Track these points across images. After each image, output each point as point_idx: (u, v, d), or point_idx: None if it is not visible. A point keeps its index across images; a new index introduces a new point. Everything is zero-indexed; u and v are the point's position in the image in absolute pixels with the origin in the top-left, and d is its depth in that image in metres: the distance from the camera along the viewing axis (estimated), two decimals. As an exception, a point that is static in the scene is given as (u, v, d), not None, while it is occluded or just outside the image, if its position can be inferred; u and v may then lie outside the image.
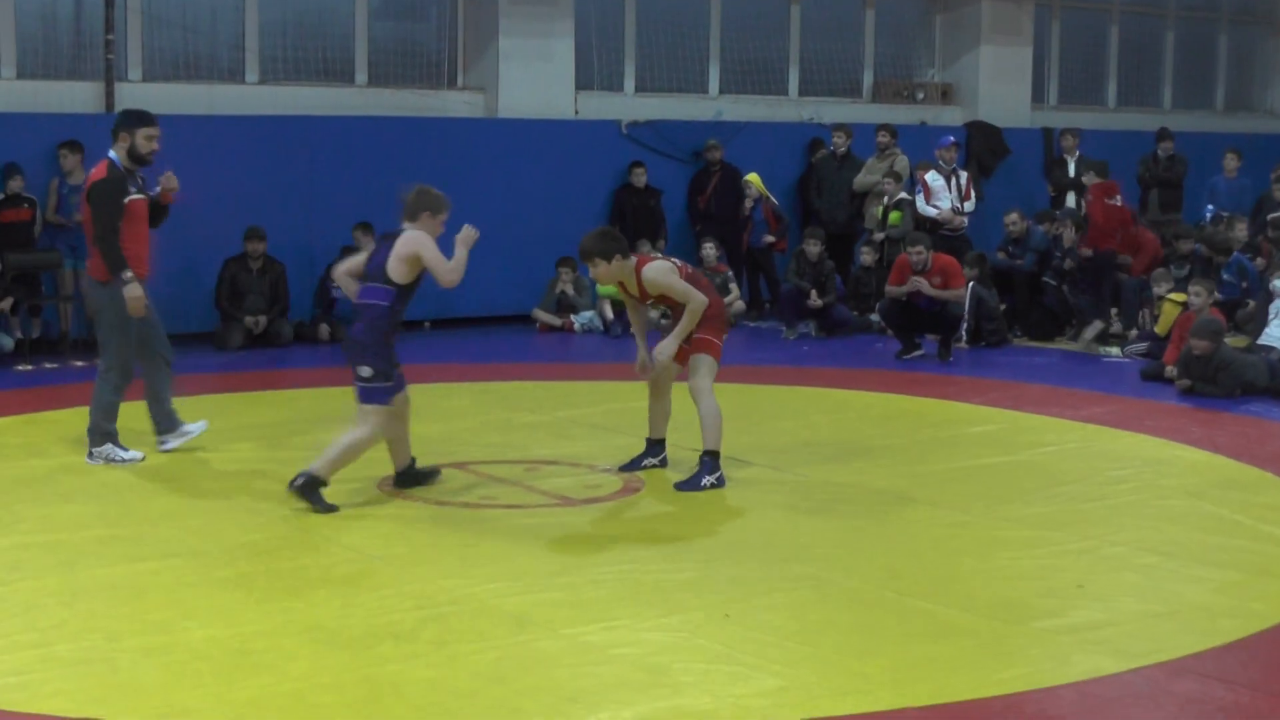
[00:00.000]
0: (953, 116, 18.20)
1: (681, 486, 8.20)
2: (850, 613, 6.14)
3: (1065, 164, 17.14)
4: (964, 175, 15.67)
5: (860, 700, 5.15)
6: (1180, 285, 12.87)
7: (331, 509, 7.58)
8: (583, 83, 16.09)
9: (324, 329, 13.89)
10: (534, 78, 15.52)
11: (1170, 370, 11.68)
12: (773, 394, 11.54)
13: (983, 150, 17.73)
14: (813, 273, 14.72)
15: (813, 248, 14.79)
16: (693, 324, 8.21)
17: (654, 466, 8.69)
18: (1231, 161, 16.74)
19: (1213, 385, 11.21)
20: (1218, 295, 12.62)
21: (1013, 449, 9.42)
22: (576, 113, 15.89)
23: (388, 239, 7.87)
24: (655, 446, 8.75)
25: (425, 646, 5.65)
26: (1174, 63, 20.89)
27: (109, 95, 13.67)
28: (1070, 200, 16.78)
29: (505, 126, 15.32)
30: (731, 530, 7.47)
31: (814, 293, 14.59)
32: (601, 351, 13.92)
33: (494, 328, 15.02)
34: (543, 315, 15.02)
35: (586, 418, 10.31)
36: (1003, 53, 18.45)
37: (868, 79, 18.19)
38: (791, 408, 10.91)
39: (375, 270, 7.77)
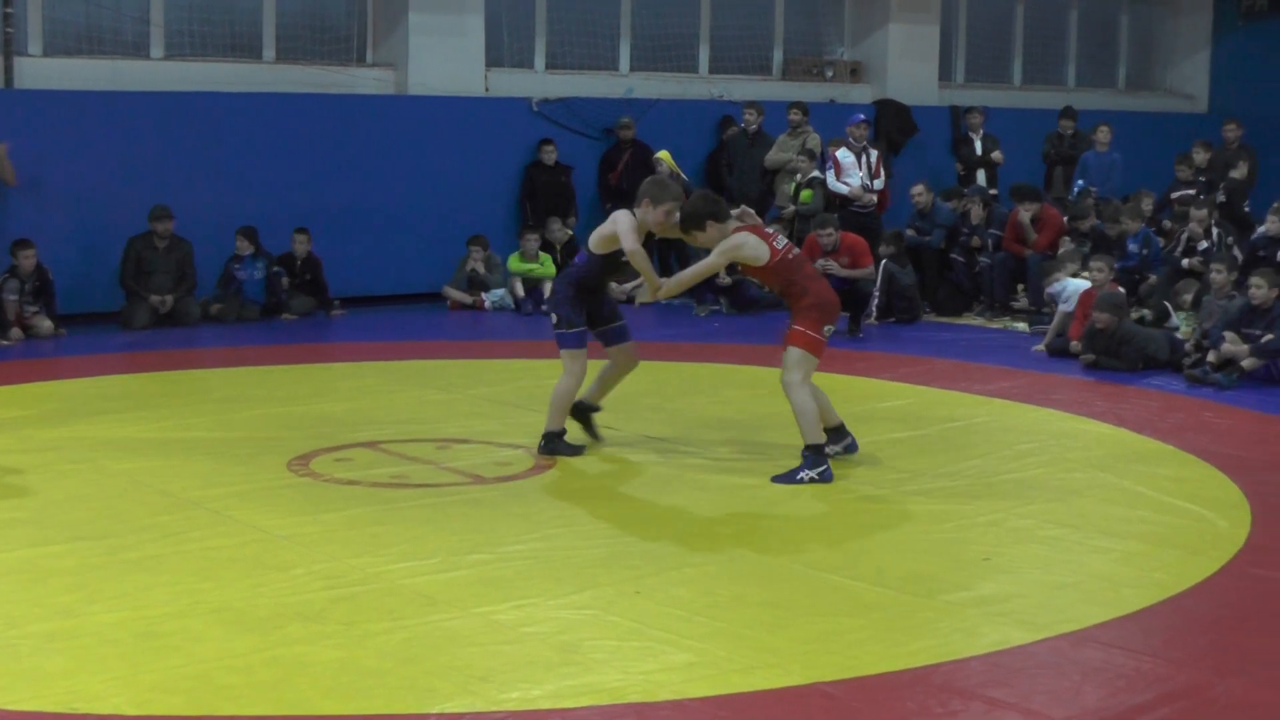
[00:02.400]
0: (862, 94, 18.30)
1: (778, 479, 7.96)
2: (761, 587, 6.17)
3: (972, 142, 17.30)
4: (874, 153, 15.76)
5: (770, 675, 5.18)
6: (1087, 261, 13.05)
7: (579, 449, 8.49)
8: (493, 60, 16.01)
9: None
10: (444, 54, 15.41)
11: (1075, 345, 11.84)
12: (684, 370, 11.57)
13: (891, 128, 17.83)
14: (724, 250, 14.74)
15: (724, 225, 14.82)
16: (695, 274, 8.33)
17: (837, 455, 8.40)
18: (1103, 135, 16.82)
19: (1116, 359, 11.38)
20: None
21: (922, 423, 9.51)
22: (487, 90, 15.81)
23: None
24: (833, 434, 8.42)
25: (335, 626, 5.61)
26: (1078, 42, 21.12)
27: (8, 70, 13.41)
28: (980, 178, 16.94)
29: (415, 103, 15.21)
30: (642, 506, 7.48)
31: (723, 270, 14.62)
32: (513, 329, 13.89)
33: (405, 306, 14.93)
34: (454, 293, 14.96)
35: (498, 395, 10.28)
36: (911, 31, 18.56)
37: (778, 57, 18.24)
38: (703, 384, 10.95)
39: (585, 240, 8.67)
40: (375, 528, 6.96)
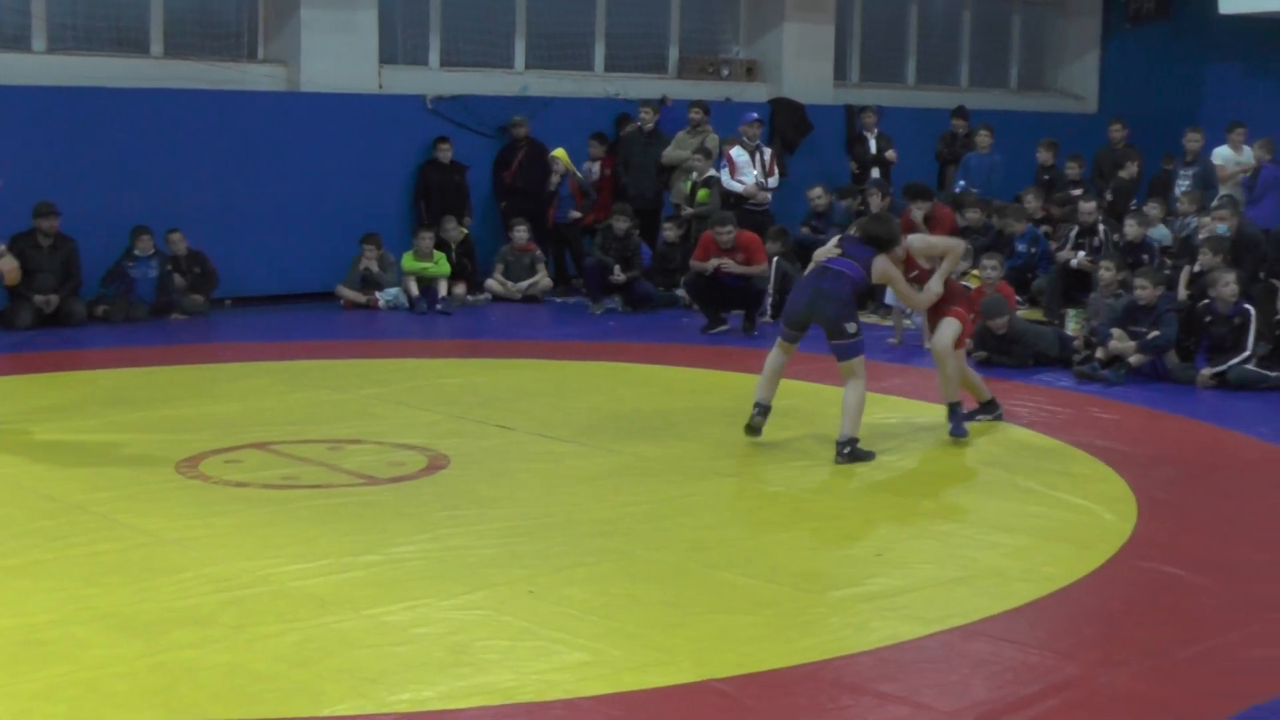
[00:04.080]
0: (757, 93, 18.37)
1: (956, 433, 9.10)
2: (655, 586, 6.18)
3: (866, 140, 17.45)
4: (768, 151, 15.85)
5: (663, 672, 5.19)
6: (978, 259, 13.19)
7: (872, 454, 8.50)
8: (387, 56, 15.88)
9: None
10: (337, 50, 15.26)
11: (967, 343, 11.95)
12: (579, 369, 11.55)
13: (786, 126, 17.93)
14: (619, 248, 14.78)
15: (620, 224, 14.85)
16: (954, 265, 9.14)
17: (990, 420, 9.55)
18: (984, 138, 17.12)
19: (1007, 356, 11.53)
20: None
21: (815, 421, 9.55)
22: (380, 87, 15.68)
23: (862, 243, 8.90)
24: (988, 405, 9.61)
25: (224, 630, 5.54)
26: (970, 42, 21.37)
27: (-116, 64, 13.11)
28: (874, 176, 17.07)
29: (307, 100, 15.05)
30: (536, 505, 7.45)
31: (616, 268, 14.65)
32: (406, 328, 13.80)
33: (297, 305, 14.78)
34: (347, 292, 14.82)
35: (391, 395, 10.21)
36: (806, 30, 18.67)
37: (673, 55, 18.26)
38: (597, 383, 10.94)
39: (863, 260, 8.83)
40: (266, 530, 6.88)
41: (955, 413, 9.11)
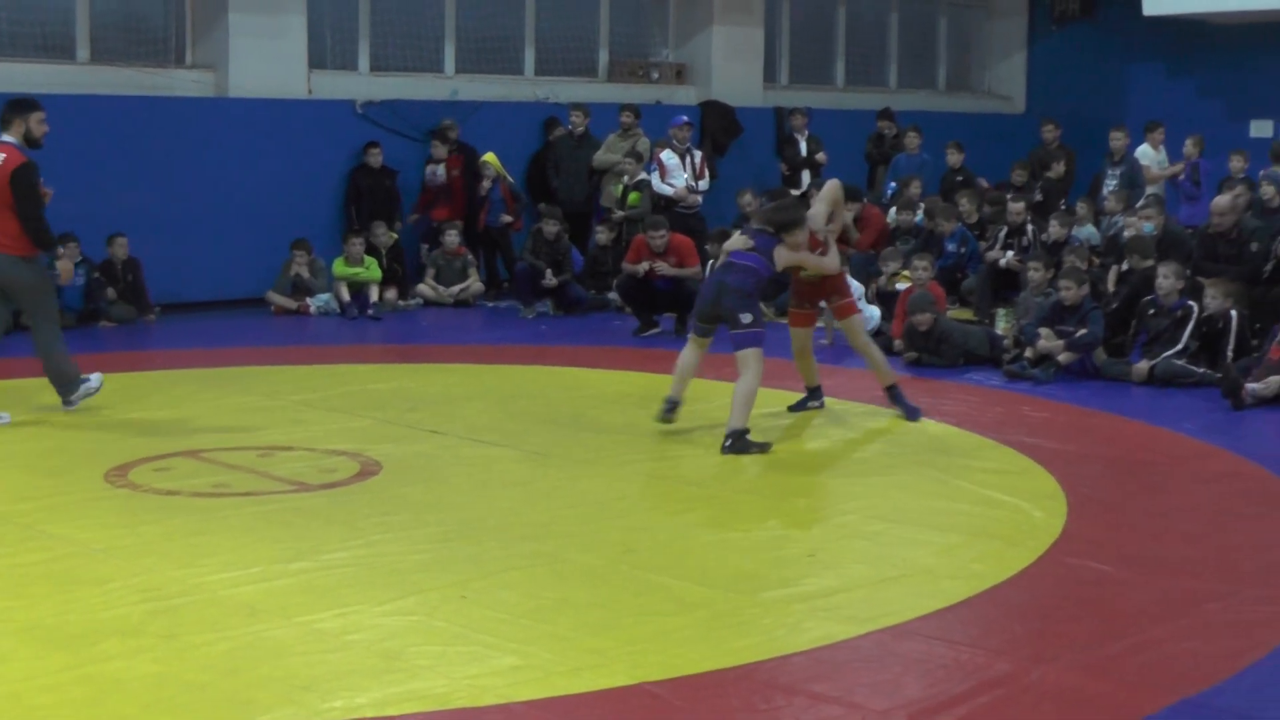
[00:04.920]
0: (687, 96, 18.42)
1: (912, 418, 9.54)
2: (587, 589, 6.17)
3: (796, 143, 17.53)
4: (698, 154, 15.90)
5: (596, 676, 5.18)
6: (909, 260, 13.28)
7: (766, 446, 8.60)
8: (316, 61, 15.80)
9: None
10: (265, 56, 15.16)
11: (897, 343, 12.04)
12: (511, 373, 11.53)
13: (716, 129, 17.98)
14: (549, 251, 14.76)
15: (550, 227, 14.83)
16: (841, 210, 9.70)
17: (816, 408, 9.87)
18: (912, 140, 17.32)
19: (937, 356, 11.61)
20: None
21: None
22: (310, 92, 15.59)
23: (765, 235, 9.05)
24: (814, 392, 9.93)
25: (153, 640, 5.48)
26: (898, 44, 21.51)
27: None
28: (805, 178, 17.15)
29: (236, 106, 14.94)
30: (468, 510, 7.43)
31: (548, 271, 14.63)
32: (338, 334, 13.73)
33: (227, 311, 14.66)
34: (277, 298, 14.73)
35: (322, 401, 10.14)
36: (735, 33, 18.73)
37: (603, 58, 18.27)
38: (529, 386, 10.91)
39: (764, 251, 8.96)
40: (196, 538, 6.82)
41: (896, 395, 9.68)
